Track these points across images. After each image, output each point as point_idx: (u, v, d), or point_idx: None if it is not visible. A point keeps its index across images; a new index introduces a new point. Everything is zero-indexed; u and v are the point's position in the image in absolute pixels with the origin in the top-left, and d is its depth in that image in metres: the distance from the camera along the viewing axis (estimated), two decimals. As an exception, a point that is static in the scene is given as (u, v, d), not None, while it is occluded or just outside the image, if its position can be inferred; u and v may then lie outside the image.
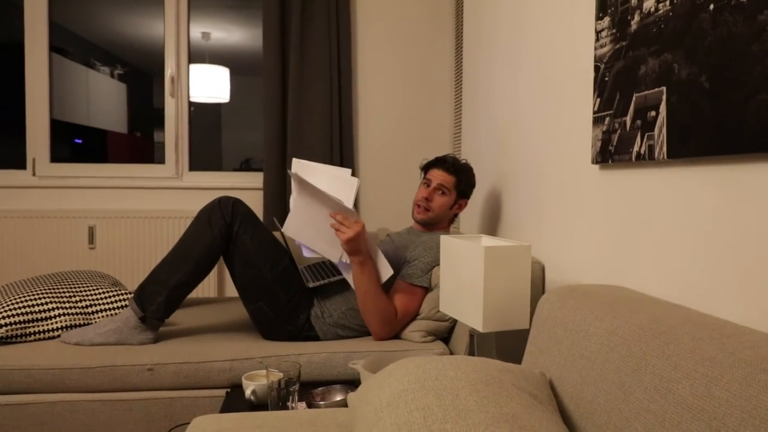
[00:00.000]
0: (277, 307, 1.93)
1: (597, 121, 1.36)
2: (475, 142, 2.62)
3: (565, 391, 0.99)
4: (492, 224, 2.30)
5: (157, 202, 3.18)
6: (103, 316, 2.01)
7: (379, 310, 1.84)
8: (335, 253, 1.85)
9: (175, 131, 3.21)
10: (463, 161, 2.10)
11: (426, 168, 2.11)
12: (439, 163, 2.07)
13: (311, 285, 1.95)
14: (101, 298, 2.05)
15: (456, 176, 2.04)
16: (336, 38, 3.09)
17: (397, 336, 1.94)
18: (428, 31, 3.27)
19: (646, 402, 0.79)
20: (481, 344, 1.51)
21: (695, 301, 1.05)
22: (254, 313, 1.96)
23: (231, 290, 3.19)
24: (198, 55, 4.73)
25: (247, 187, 3.19)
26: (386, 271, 1.87)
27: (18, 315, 1.85)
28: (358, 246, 1.78)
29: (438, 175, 2.04)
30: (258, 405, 1.56)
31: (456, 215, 2.13)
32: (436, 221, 2.07)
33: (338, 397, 1.58)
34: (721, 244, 0.98)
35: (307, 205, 1.80)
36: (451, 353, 1.87)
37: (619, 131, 1.26)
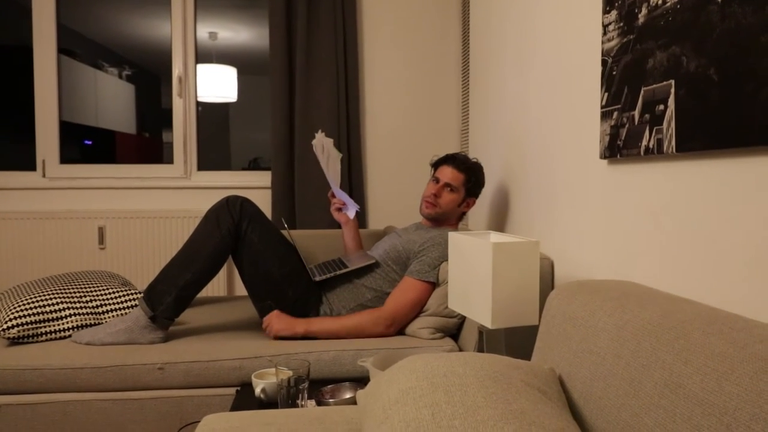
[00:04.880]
0: (285, 305, 1.94)
1: (605, 115, 1.35)
2: (483, 138, 2.61)
3: (574, 387, 0.99)
4: (500, 220, 2.29)
5: (166, 202, 3.19)
6: (113, 316, 2.02)
7: (362, 328, 1.87)
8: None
9: (183, 131, 3.22)
10: (474, 160, 2.10)
11: (436, 165, 2.11)
12: (449, 160, 2.07)
13: (318, 279, 1.96)
14: (111, 298, 2.06)
15: (465, 174, 2.04)
16: (342, 36, 3.09)
17: (405, 333, 1.94)
18: (434, 26, 3.26)
19: (656, 397, 0.78)
20: (489, 341, 1.51)
21: (705, 296, 1.04)
22: (263, 312, 1.97)
23: (240, 289, 3.20)
24: (205, 55, 4.74)
25: (255, 186, 3.20)
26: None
27: (29, 315, 1.87)
28: (288, 330, 1.86)
29: (447, 173, 2.04)
30: (268, 403, 1.57)
31: (464, 213, 2.13)
32: (443, 217, 2.07)
33: (347, 395, 1.58)
34: (731, 238, 0.97)
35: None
36: (460, 350, 1.86)
37: (627, 125, 1.25)
